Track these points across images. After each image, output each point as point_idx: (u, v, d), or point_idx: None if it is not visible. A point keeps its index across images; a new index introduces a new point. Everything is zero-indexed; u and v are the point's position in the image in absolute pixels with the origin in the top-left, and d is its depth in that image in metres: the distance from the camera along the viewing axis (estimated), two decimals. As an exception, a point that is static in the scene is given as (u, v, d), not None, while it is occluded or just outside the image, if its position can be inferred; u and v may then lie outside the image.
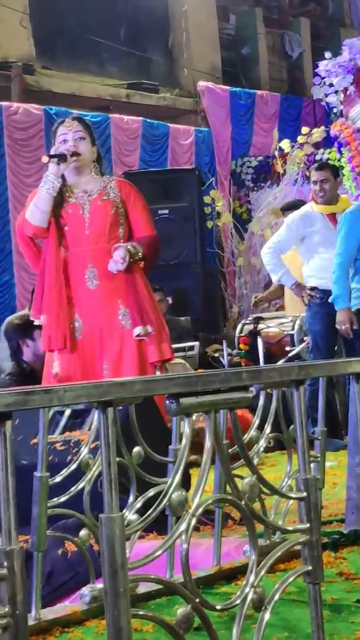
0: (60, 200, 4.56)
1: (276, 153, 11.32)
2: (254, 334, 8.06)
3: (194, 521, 1.87)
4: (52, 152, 4.62)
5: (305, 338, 7.26)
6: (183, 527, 1.84)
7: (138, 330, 4.53)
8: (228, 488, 2.61)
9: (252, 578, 1.97)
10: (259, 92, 13.13)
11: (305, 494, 2.09)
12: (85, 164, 4.63)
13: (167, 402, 1.88)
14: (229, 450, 2.46)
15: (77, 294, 4.57)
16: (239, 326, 8.41)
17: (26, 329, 5.68)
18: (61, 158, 4.52)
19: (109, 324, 4.56)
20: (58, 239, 4.55)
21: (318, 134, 11.08)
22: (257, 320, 8.38)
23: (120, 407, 3.14)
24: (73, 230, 4.58)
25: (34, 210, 4.54)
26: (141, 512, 2.89)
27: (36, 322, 4.64)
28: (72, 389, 1.73)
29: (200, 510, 1.89)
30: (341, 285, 6.06)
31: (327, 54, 11.87)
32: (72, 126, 4.63)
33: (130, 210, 4.66)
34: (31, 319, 5.69)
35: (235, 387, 1.97)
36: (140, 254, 4.56)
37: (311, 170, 6.93)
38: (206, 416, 1.92)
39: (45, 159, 4.55)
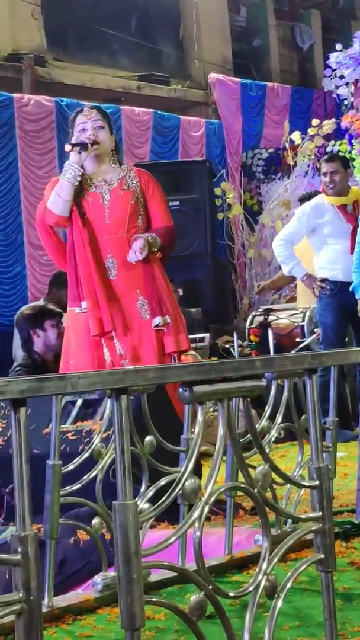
0: (80, 189, 4.57)
1: (287, 145, 11.30)
2: (265, 325, 8.07)
3: (206, 509, 1.88)
4: (72, 141, 4.62)
5: (315, 329, 7.26)
6: (196, 514, 1.85)
7: (157, 320, 4.54)
8: (240, 477, 2.62)
9: (264, 566, 1.98)
10: (269, 84, 13.11)
11: (317, 482, 2.09)
12: (104, 153, 4.64)
13: (181, 389, 1.88)
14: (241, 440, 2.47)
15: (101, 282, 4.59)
16: (250, 318, 8.41)
17: (37, 319, 5.70)
18: (83, 147, 4.53)
19: (128, 314, 4.56)
20: (83, 225, 4.56)
21: (329, 126, 11.06)
22: (268, 311, 8.38)
23: (132, 397, 3.17)
24: (93, 220, 4.58)
25: (56, 199, 4.54)
26: (152, 501, 2.90)
27: (77, 311, 4.59)
28: (86, 376, 1.74)
29: (213, 498, 1.89)
30: None
31: (338, 46, 11.85)
32: (91, 115, 4.63)
33: (149, 200, 4.68)
34: (48, 307, 5.72)
35: (248, 376, 1.98)
36: (158, 244, 4.57)
37: (321, 162, 6.93)
38: (219, 404, 1.92)
39: (68, 147, 4.56)
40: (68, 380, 1.71)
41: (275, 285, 9.04)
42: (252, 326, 8.23)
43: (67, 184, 4.51)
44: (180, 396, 1.88)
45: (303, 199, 7.77)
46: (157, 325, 4.55)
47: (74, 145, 4.54)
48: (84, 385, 1.72)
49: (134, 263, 4.54)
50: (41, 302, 6.16)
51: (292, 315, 8.04)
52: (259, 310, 8.68)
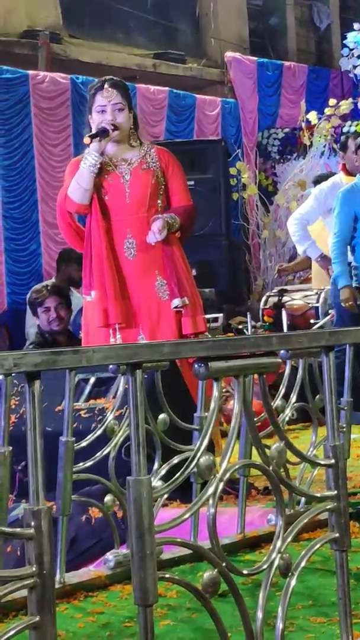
0: (100, 170, 4.53)
1: (303, 125, 11.23)
2: (279, 306, 8.04)
3: (221, 485, 1.86)
4: (91, 124, 4.55)
5: (330, 311, 7.23)
6: (210, 491, 1.83)
7: (176, 302, 4.52)
8: (254, 456, 2.60)
9: (279, 543, 1.96)
10: (286, 63, 13.03)
11: (333, 460, 2.07)
12: (124, 135, 4.58)
13: (196, 365, 1.86)
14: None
15: (117, 265, 4.56)
16: (264, 298, 8.39)
17: (34, 302, 5.72)
18: (103, 134, 4.47)
19: (146, 294, 4.55)
20: (102, 212, 4.53)
21: (345, 106, 10.99)
22: (282, 292, 8.35)
23: (146, 376, 3.15)
24: (113, 200, 4.55)
25: (76, 187, 4.50)
26: (165, 480, 2.89)
27: (88, 299, 4.58)
28: (100, 349, 1.72)
29: (228, 474, 1.87)
30: (340, 263, 6.08)
31: (356, 25, 11.77)
32: (112, 97, 4.52)
33: (169, 179, 4.63)
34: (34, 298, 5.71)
35: (264, 352, 1.96)
36: (177, 224, 4.54)
37: (349, 139, 6.79)
38: (235, 380, 1.90)
39: (87, 140, 4.48)
40: (82, 354, 1.69)
41: (297, 269, 8.97)
42: (266, 307, 8.21)
43: (87, 172, 4.47)
44: (195, 372, 1.86)
45: (318, 181, 7.72)
46: (176, 307, 4.53)
47: (92, 136, 4.46)
48: (98, 359, 1.70)
49: (153, 244, 4.51)
50: (47, 283, 6.13)
51: (307, 296, 8.01)
52: (273, 291, 8.65)
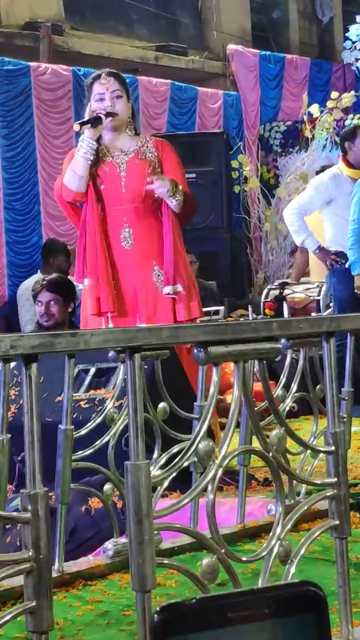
0: (96, 159, 4.52)
1: (305, 118, 11.21)
2: (280, 299, 8.03)
3: (220, 471, 1.85)
4: (86, 112, 4.55)
5: (331, 304, 7.21)
6: (210, 476, 1.82)
7: (167, 289, 4.51)
8: (254, 443, 2.59)
9: (278, 530, 1.95)
10: (288, 56, 12.99)
11: (333, 447, 2.06)
12: (121, 123, 4.57)
13: (195, 350, 1.85)
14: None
15: (113, 254, 4.55)
16: (265, 291, 8.37)
17: (33, 297, 5.69)
18: (95, 122, 4.45)
19: (143, 284, 4.54)
20: (96, 200, 4.52)
21: (348, 99, 10.97)
22: (283, 285, 8.34)
23: (146, 367, 3.14)
24: (109, 189, 4.54)
25: (72, 175, 4.50)
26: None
27: (80, 287, 4.59)
28: (99, 333, 1.70)
29: (228, 460, 1.86)
30: (357, 251, 6.05)
31: (358, 18, 11.74)
32: (109, 84, 4.53)
33: (165, 169, 4.63)
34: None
35: (264, 338, 1.94)
36: (179, 196, 4.50)
37: (357, 129, 6.67)
38: (235, 366, 1.89)
39: (76, 127, 4.49)
40: (80, 337, 1.67)
41: (300, 273, 8.88)
42: (267, 300, 8.20)
43: (81, 160, 4.47)
44: (194, 357, 1.84)
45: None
46: (167, 294, 4.52)
47: (82, 123, 4.46)
48: (96, 342, 1.68)
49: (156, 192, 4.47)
50: (47, 276, 6.07)
51: (308, 289, 8.00)
52: (274, 283, 8.63)
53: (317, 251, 6.59)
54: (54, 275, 5.80)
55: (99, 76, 4.59)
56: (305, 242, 6.63)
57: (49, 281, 5.51)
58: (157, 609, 0.92)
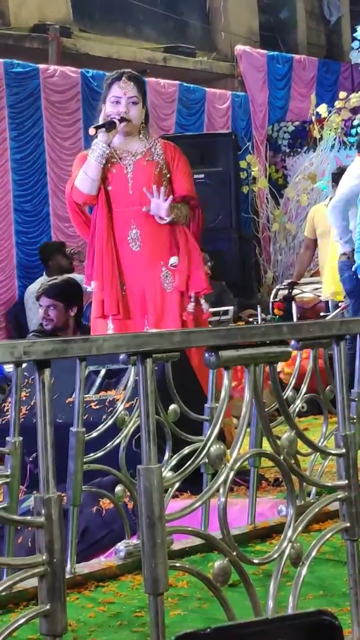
0: (105, 160, 4.53)
1: (313, 118, 11.20)
2: (289, 299, 8.04)
3: (232, 475, 1.86)
4: (100, 117, 4.56)
5: (340, 303, 7.21)
6: (221, 479, 1.83)
7: (173, 259, 4.54)
8: (265, 445, 2.60)
9: (290, 533, 1.96)
10: (296, 56, 12.98)
11: (344, 450, 2.07)
12: (134, 128, 4.59)
13: (207, 354, 1.86)
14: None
15: (121, 256, 4.57)
16: (274, 291, 8.39)
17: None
18: (110, 126, 4.46)
19: (152, 286, 4.55)
20: (107, 204, 4.54)
21: (356, 99, 10.96)
22: (292, 285, 8.35)
23: (156, 368, 3.15)
24: (117, 191, 4.56)
25: (84, 178, 4.51)
26: (176, 472, 2.88)
27: (88, 289, 4.62)
28: (111, 338, 1.72)
29: (239, 464, 1.87)
30: None
31: (367, 18, 11.71)
32: (128, 89, 4.52)
33: (173, 171, 4.64)
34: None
35: (275, 341, 1.95)
36: (182, 214, 4.54)
37: None
38: (245, 369, 1.90)
39: (92, 131, 4.49)
40: (92, 342, 1.69)
41: (303, 271, 8.83)
42: (276, 300, 8.21)
43: (94, 163, 4.48)
44: (206, 361, 1.86)
45: (340, 174, 7.65)
46: (172, 265, 4.54)
47: (97, 127, 4.46)
48: (108, 347, 1.70)
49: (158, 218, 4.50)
50: (39, 281, 6.06)
51: (317, 289, 8.00)
52: (283, 283, 8.64)
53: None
54: (56, 279, 5.77)
55: (119, 77, 4.56)
56: (345, 245, 6.44)
57: (50, 286, 5.51)
58: (173, 638, 0.92)
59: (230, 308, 8.40)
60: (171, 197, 4.49)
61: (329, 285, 7.55)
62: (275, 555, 1.97)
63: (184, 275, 4.55)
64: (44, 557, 1.65)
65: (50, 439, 1.67)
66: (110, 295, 4.49)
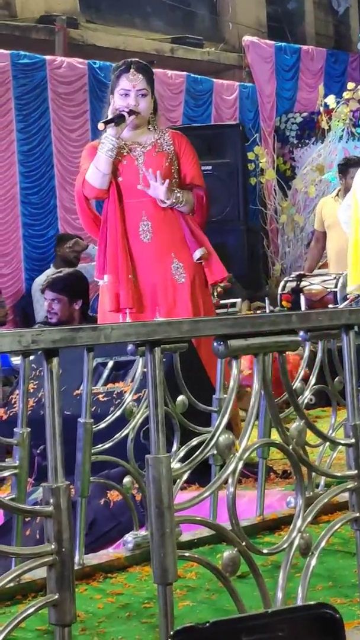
0: (115, 153, 4.52)
1: (321, 109, 11.16)
2: (297, 291, 8.00)
3: (240, 464, 1.85)
4: (109, 109, 4.54)
5: (348, 295, 7.19)
6: (230, 469, 1.82)
7: (199, 252, 4.55)
8: (273, 435, 2.59)
9: (299, 523, 1.95)
10: (304, 47, 12.93)
11: (353, 440, 2.06)
12: (143, 120, 4.57)
13: (215, 343, 1.85)
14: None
15: (132, 248, 4.56)
16: (282, 283, 8.35)
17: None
18: (119, 120, 4.44)
19: (162, 277, 4.55)
20: (118, 197, 4.53)
21: (364, 89, 10.92)
22: (300, 277, 8.31)
23: (164, 359, 3.14)
24: (127, 182, 4.54)
25: (95, 172, 4.49)
26: (184, 463, 2.87)
27: (100, 282, 4.60)
28: (119, 327, 1.71)
29: (248, 453, 1.86)
30: None
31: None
32: (137, 82, 4.49)
33: (182, 162, 4.63)
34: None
35: (284, 330, 1.94)
36: (183, 198, 4.53)
37: None
38: (254, 359, 1.89)
39: (101, 126, 4.46)
40: (101, 331, 1.68)
41: (314, 265, 8.80)
42: (284, 292, 8.17)
43: (104, 157, 4.46)
44: (214, 350, 1.85)
45: (347, 164, 7.61)
46: (199, 259, 4.56)
47: (107, 122, 4.44)
48: (116, 336, 1.69)
49: (161, 201, 4.50)
50: (46, 274, 6.06)
51: (325, 281, 7.97)
52: (292, 275, 8.61)
53: None
54: (61, 272, 5.76)
55: (127, 69, 4.52)
56: None
57: (53, 279, 5.51)
58: (172, 632, 0.91)
59: (238, 300, 8.39)
60: (167, 180, 4.47)
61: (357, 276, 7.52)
62: (285, 546, 1.97)
63: (219, 263, 4.59)
64: (53, 547, 1.65)
65: (59, 428, 1.67)
66: (126, 289, 4.48)
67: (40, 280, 8.57)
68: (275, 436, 2.39)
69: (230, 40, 12.86)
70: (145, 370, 3.02)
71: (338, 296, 7.61)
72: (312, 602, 0.97)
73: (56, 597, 1.66)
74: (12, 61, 9.29)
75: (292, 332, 1.93)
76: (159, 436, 1.75)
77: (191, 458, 1.94)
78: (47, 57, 9.67)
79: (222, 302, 7.59)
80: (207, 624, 0.93)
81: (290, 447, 1.94)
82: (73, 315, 5.40)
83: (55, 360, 1.64)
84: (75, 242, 8.20)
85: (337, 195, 7.88)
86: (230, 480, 1.84)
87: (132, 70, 4.51)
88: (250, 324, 1.87)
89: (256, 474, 3.47)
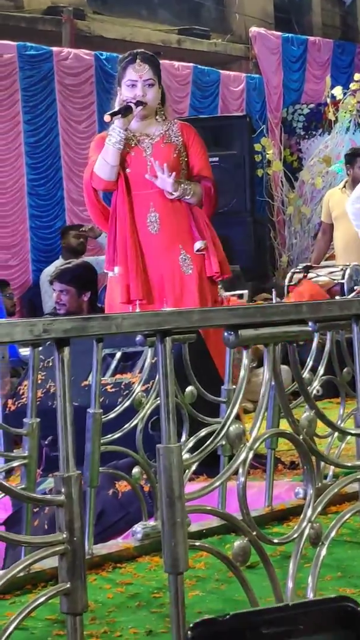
0: (123, 144, 4.51)
1: (328, 100, 11.13)
2: (304, 282, 7.99)
3: (251, 454, 1.85)
4: (117, 100, 4.53)
5: (355, 287, 7.18)
6: (241, 458, 1.82)
7: (198, 244, 4.53)
8: (282, 425, 2.59)
9: (309, 513, 1.95)
10: (311, 38, 12.89)
11: (363, 430, 2.06)
12: (151, 111, 4.56)
13: (226, 333, 1.85)
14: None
15: (141, 240, 4.56)
16: (289, 275, 8.33)
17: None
18: (126, 111, 4.43)
19: (170, 268, 4.55)
20: (127, 188, 4.52)
21: (371, 80, 10.89)
22: (307, 269, 8.30)
23: (173, 350, 3.14)
24: (135, 174, 4.54)
25: (103, 164, 4.49)
26: (192, 454, 2.88)
27: (110, 274, 4.60)
28: (130, 316, 1.71)
29: (259, 443, 1.86)
30: None
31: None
32: (143, 72, 4.49)
33: (190, 153, 4.62)
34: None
35: (294, 320, 1.94)
36: (191, 190, 4.52)
37: None
38: (265, 349, 1.89)
39: (107, 118, 4.45)
40: (112, 320, 1.68)
41: (321, 257, 8.81)
42: (291, 283, 8.16)
43: (112, 149, 4.46)
44: (225, 340, 1.85)
45: (355, 154, 7.61)
46: (198, 250, 4.54)
47: (113, 114, 4.43)
48: (128, 326, 1.69)
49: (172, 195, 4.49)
50: (60, 264, 6.06)
51: (332, 272, 7.96)
52: (298, 267, 8.60)
53: None
54: (70, 264, 5.77)
55: (133, 59, 4.52)
56: None
57: (62, 271, 5.52)
58: (191, 624, 0.91)
59: (245, 292, 8.38)
60: (174, 173, 4.46)
61: (340, 256, 7.53)
62: (295, 535, 1.97)
63: (216, 258, 4.56)
64: (64, 536, 1.65)
65: (70, 417, 1.67)
66: (136, 280, 4.48)
67: (49, 271, 8.58)
68: (283, 426, 2.40)
69: (237, 32, 12.82)
70: (153, 361, 3.04)
71: (345, 287, 7.60)
72: (332, 595, 0.96)
73: (68, 585, 1.66)
74: (18, 53, 9.28)
75: (302, 322, 1.93)
76: (170, 426, 1.75)
77: (202, 448, 1.94)
78: (54, 49, 9.64)
79: (228, 293, 7.58)
80: (227, 617, 0.92)
81: (301, 437, 1.94)
82: (81, 307, 5.41)
83: (66, 350, 1.64)
84: (91, 229, 8.20)
85: (344, 186, 7.88)
86: (240, 470, 1.85)
87: (138, 60, 4.51)
88: (260, 313, 1.87)
89: (264, 465, 3.48)
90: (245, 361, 1.85)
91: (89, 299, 5.46)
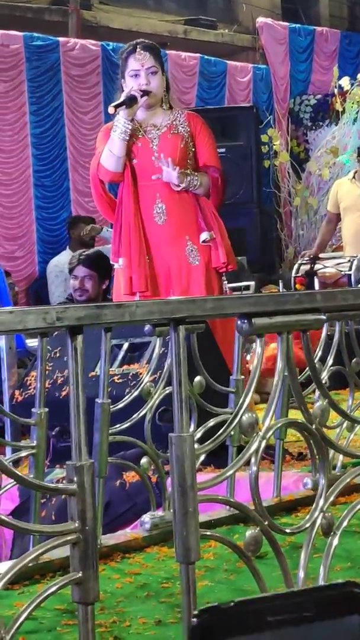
0: (130, 135, 4.49)
1: (335, 91, 11.11)
2: (311, 274, 7.98)
3: (264, 443, 1.84)
4: (123, 93, 4.51)
5: (363, 278, 7.17)
6: (253, 448, 1.81)
7: (204, 235, 4.52)
8: (291, 414, 2.58)
9: (321, 502, 1.94)
10: (318, 28, 12.85)
11: (376, 420, 2.05)
12: (156, 100, 4.54)
13: (239, 322, 1.84)
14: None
15: (147, 231, 4.54)
16: (295, 266, 8.32)
17: (69, 271, 5.69)
18: (130, 102, 4.41)
19: (177, 259, 4.53)
20: (133, 179, 4.51)
21: (379, 71, 10.86)
22: (314, 260, 8.28)
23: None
24: (142, 164, 4.52)
25: (109, 155, 4.47)
26: (201, 444, 2.86)
27: (115, 266, 4.59)
28: (144, 304, 1.70)
29: (271, 432, 1.85)
30: None
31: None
32: (145, 60, 4.47)
33: (197, 143, 4.60)
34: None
35: (307, 309, 1.93)
36: (195, 188, 4.51)
37: None
38: (278, 337, 1.88)
39: (111, 110, 4.42)
40: (126, 308, 1.67)
41: (324, 245, 8.79)
42: (297, 275, 8.14)
43: (118, 140, 4.43)
44: (238, 328, 1.84)
45: None
46: (204, 241, 4.53)
47: (117, 106, 4.40)
48: (141, 314, 1.68)
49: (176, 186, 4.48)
50: (84, 251, 6.05)
51: (339, 264, 7.94)
52: (305, 258, 8.58)
53: None
54: (88, 251, 5.78)
55: (134, 49, 4.49)
56: None
57: (86, 256, 5.50)
58: (196, 612, 0.90)
59: (251, 284, 8.37)
60: (178, 167, 4.45)
61: (348, 247, 7.52)
62: (307, 525, 1.96)
63: (223, 249, 4.54)
64: (77, 525, 1.64)
65: (83, 407, 1.66)
66: (139, 272, 4.46)
67: (57, 261, 8.59)
68: (293, 416, 2.38)
69: (244, 22, 12.78)
70: (161, 351, 3.03)
71: (352, 279, 7.58)
72: (339, 581, 0.95)
73: (79, 575, 1.65)
74: (25, 43, 9.26)
75: (315, 311, 1.92)
76: (183, 414, 1.74)
77: (214, 437, 1.93)
78: (60, 39, 9.63)
79: (232, 285, 7.57)
80: (232, 604, 0.91)
81: (314, 426, 1.92)
82: (99, 295, 5.42)
83: (79, 338, 1.63)
84: (92, 229, 8.20)
85: (354, 177, 7.85)
86: (253, 460, 1.83)
87: (138, 49, 4.49)
88: (273, 302, 1.86)
89: (272, 455, 3.46)
90: (258, 350, 1.84)
91: (105, 289, 5.47)
